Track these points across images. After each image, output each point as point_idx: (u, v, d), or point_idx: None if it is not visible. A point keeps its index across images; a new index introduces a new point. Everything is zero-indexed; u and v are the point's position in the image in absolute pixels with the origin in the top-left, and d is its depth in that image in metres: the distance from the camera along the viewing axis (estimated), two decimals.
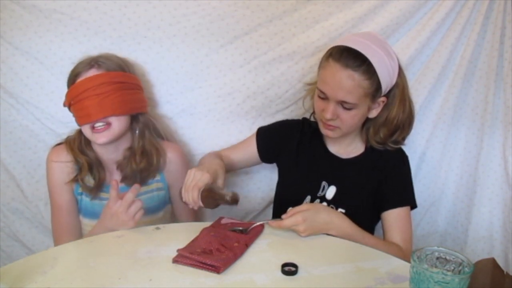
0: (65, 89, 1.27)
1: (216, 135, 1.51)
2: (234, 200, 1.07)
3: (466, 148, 1.49)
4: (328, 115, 1.14)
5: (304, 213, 1.08)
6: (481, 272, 0.86)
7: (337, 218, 1.12)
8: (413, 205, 1.24)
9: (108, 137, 1.22)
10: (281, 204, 1.31)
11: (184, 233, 1.08)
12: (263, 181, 1.57)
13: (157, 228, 1.14)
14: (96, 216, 1.25)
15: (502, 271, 0.89)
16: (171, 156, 1.36)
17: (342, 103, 1.13)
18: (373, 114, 1.20)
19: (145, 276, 0.92)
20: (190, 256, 0.96)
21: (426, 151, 1.52)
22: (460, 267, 0.81)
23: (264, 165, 1.44)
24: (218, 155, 1.33)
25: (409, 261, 1.07)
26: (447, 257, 0.83)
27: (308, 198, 1.27)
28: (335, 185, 1.26)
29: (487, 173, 1.43)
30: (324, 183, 1.27)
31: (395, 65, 1.17)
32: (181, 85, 1.47)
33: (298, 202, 1.25)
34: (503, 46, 1.36)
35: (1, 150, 1.45)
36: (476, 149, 1.46)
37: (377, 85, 1.13)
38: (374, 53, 1.11)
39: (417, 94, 1.47)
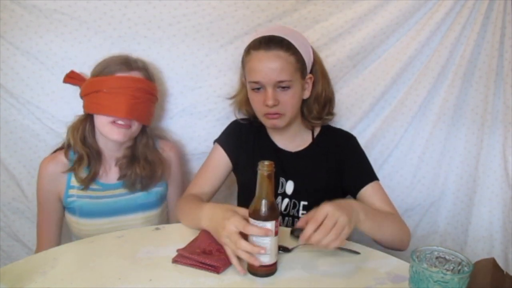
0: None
1: (216, 135, 1.51)
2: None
3: (466, 148, 1.49)
4: (270, 102, 1.14)
5: (323, 210, 0.91)
6: (481, 272, 0.86)
7: (348, 200, 1.04)
8: (377, 179, 1.23)
9: (125, 137, 1.25)
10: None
11: (184, 233, 1.09)
12: None
13: (157, 229, 1.14)
14: (93, 215, 1.27)
15: (502, 271, 0.88)
16: (170, 155, 1.39)
17: (278, 84, 1.15)
18: (306, 94, 1.24)
19: (145, 276, 0.92)
20: (190, 256, 0.96)
21: (426, 151, 1.52)
22: (460, 267, 0.81)
23: None
24: (197, 198, 1.21)
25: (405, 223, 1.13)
26: (447, 257, 0.83)
27: None
28: (292, 179, 1.26)
29: (487, 173, 1.43)
30: (281, 179, 1.26)
31: (306, 40, 1.24)
32: (181, 85, 1.48)
33: None
34: (503, 46, 1.36)
35: (1, 150, 1.45)
36: (476, 149, 1.46)
37: (302, 60, 1.18)
38: (286, 32, 1.19)
39: (417, 94, 1.48)
